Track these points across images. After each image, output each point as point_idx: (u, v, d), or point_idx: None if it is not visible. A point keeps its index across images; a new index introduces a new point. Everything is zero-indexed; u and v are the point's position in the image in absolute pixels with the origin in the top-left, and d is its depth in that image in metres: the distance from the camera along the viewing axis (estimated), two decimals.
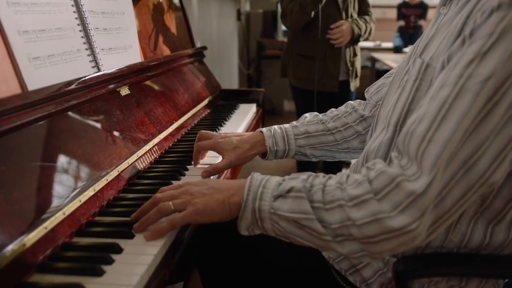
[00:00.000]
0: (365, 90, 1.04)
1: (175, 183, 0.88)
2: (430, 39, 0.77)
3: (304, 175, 0.66)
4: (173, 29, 1.51)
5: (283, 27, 4.11)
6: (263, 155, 0.99)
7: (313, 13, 1.92)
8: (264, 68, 4.36)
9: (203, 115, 1.47)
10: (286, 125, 1.00)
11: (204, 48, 1.70)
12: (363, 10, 2.13)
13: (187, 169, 0.98)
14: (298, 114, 2.25)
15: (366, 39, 2.13)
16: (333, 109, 1.05)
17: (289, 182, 0.64)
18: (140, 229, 0.68)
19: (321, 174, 0.66)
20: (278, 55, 4.13)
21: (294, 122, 1.02)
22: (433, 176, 0.55)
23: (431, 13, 4.60)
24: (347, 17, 2.02)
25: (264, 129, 0.99)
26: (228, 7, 3.16)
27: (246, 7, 4.12)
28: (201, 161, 1.02)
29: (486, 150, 0.56)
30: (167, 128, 1.14)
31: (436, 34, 0.76)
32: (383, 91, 0.94)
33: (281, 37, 4.03)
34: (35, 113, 0.71)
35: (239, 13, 3.60)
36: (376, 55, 3.38)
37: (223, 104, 1.64)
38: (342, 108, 1.04)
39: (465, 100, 0.56)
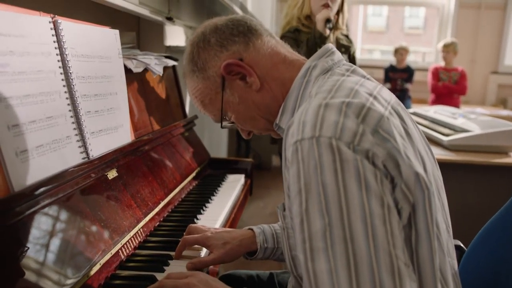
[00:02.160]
0: None
1: (159, 275, 0.86)
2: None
3: None
4: (165, 101, 1.52)
5: None
6: (251, 253, 0.98)
7: None
8: None
9: (191, 187, 1.45)
10: (275, 224, 1.01)
11: (195, 117, 1.71)
12: None
13: (171, 258, 0.95)
14: None
15: None
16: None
17: None
18: None
19: None
20: None
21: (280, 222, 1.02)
22: None
23: (417, 76, 4.75)
24: None
25: (253, 227, 0.99)
26: None
27: None
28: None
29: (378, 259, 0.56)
30: (153, 209, 1.12)
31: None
32: None
33: None
34: (18, 213, 0.69)
35: None
36: None
37: (211, 175, 1.63)
38: None
39: (322, 258, 0.57)
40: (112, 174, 1.01)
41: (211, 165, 1.72)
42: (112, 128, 1.08)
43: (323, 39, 1.89)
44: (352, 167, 0.58)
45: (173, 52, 1.85)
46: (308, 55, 1.85)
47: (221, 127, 0.90)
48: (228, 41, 0.81)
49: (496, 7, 5.29)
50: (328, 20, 1.89)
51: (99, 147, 1.00)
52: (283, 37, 2.06)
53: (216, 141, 3.15)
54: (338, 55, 0.82)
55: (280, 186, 2.17)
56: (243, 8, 2.29)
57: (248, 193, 1.68)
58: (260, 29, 0.84)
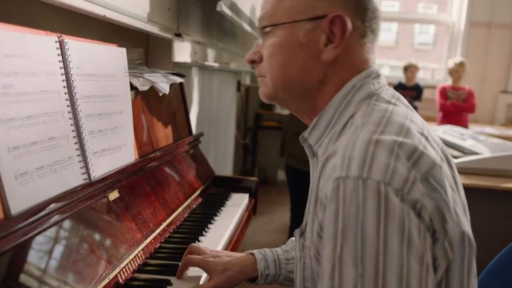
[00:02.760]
0: None
1: None
2: (308, 202, 0.80)
3: None
4: (171, 119, 1.51)
5: None
6: (253, 279, 0.95)
7: None
8: (260, 138, 4.39)
9: (194, 206, 1.43)
10: (277, 249, 0.98)
11: (201, 134, 1.70)
12: None
13: (169, 283, 0.93)
14: (291, 194, 2.23)
15: None
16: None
17: None
18: None
19: None
20: (275, 126, 4.18)
21: (284, 246, 1.00)
22: None
23: (426, 94, 4.73)
24: None
25: (255, 251, 0.97)
26: (229, 79, 3.23)
27: (247, 81, 4.22)
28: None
29: None
30: (154, 230, 1.10)
31: (310, 197, 0.79)
32: None
33: (278, 110, 4.10)
34: (15, 238, 0.68)
35: (239, 85, 3.67)
36: None
37: (215, 194, 1.61)
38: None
39: None
40: (113, 195, 1.00)
41: (215, 183, 1.70)
42: (116, 147, 1.07)
43: None
44: (397, 219, 0.54)
45: (181, 68, 1.85)
46: None
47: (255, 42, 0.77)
48: (359, 7, 0.71)
49: (507, 27, 5.27)
50: None
51: (101, 167, 0.99)
52: None
53: (222, 156, 3.14)
54: (383, 79, 0.76)
55: (285, 202, 2.14)
56: (251, 24, 2.30)
57: (252, 212, 1.66)
58: (378, 28, 0.76)
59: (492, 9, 5.21)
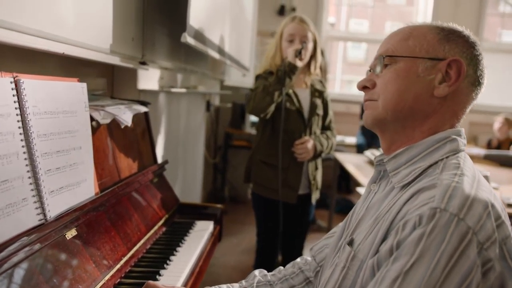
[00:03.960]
0: (310, 248, 1.06)
1: None
2: (361, 218, 0.85)
3: None
4: (135, 148, 1.51)
5: (251, 119, 4.23)
6: None
7: (276, 95, 1.93)
8: (230, 157, 4.40)
9: (157, 236, 1.43)
10: (235, 285, 0.99)
11: (166, 162, 1.70)
12: (326, 125, 2.21)
13: None
14: (258, 220, 2.23)
15: (328, 153, 2.20)
16: (281, 267, 1.05)
17: None
18: None
19: None
20: (244, 146, 4.20)
21: (243, 282, 1.00)
22: None
23: None
24: (310, 133, 2.09)
25: None
26: (198, 100, 3.24)
27: (216, 101, 4.24)
28: None
29: None
30: (114, 267, 1.09)
31: (366, 215, 0.84)
32: (325, 252, 0.98)
33: (248, 129, 4.13)
34: None
35: (208, 105, 3.69)
36: (339, 155, 3.47)
37: (179, 222, 1.60)
38: (289, 268, 1.05)
39: None
40: (71, 233, 0.99)
41: (180, 211, 1.70)
42: (74, 184, 1.06)
43: (292, 68, 1.92)
44: (466, 266, 0.62)
45: (147, 94, 1.85)
46: (277, 83, 1.88)
47: (372, 70, 0.87)
48: (474, 59, 0.81)
49: None
50: (298, 52, 1.92)
51: (58, 206, 0.98)
52: (258, 76, 2.09)
53: (191, 176, 3.14)
54: (465, 142, 0.84)
55: (254, 222, 2.15)
56: (220, 51, 2.32)
57: (216, 240, 1.66)
58: (484, 83, 0.85)
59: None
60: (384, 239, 0.72)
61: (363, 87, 0.87)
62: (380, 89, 0.83)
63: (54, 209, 0.96)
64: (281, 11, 5.12)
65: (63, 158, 1.03)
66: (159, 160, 1.72)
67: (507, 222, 0.70)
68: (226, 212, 3.81)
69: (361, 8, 7.72)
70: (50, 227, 0.90)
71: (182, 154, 2.77)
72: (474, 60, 0.81)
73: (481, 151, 4.02)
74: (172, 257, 1.29)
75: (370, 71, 0.89)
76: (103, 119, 1.22)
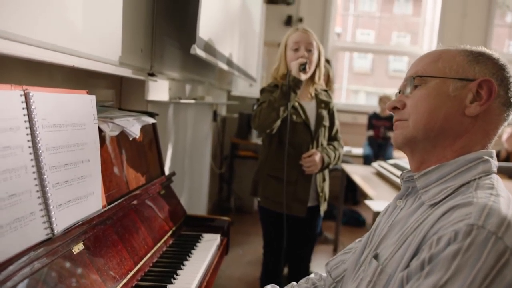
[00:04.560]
0: (325, 263, 1.04)
1: None
2: (386, 233, 0.83)
3: None
4: (143, 160, 1.50)
5: None
6: None
7: (281, 110, 1.91)
8: (236, 167, 4.39)
9: (164, 248, 1.41)
10: None
11: (173, 174, 1.69)
12: (332, 136, 2.19)
13: None
14: (265, 236, 2.22)
15: (335, 164, 2.18)
16: (294, 283, 1.03)
17: None
18: None
19: None
20: (251, 156, 4.19)
21: None
22: None
23: None
24: (317, 145, 2.07)
25: None
26: (205, 110, 3.24)
27: (223, 112, 4.25)
28: None
29: None
30: (120, 281, 1.07)
31: (391, 230, 0.81)
32: (342, 268, 0.97)
33: (254, 139, 4.12)
34: None
35: (215, 115, 3.69)
36: (346, 167, 3.45)
37: (186, 235, 1.59)
38: (303, 283, 1.03)
39: None
40: (78, 247, 0.97)
41: (187, 223, 1.68)
42: (82, 197, 1.05)
43: (297, 82, 1.91)
44: (501, 283, 0.62)
45: (155, 106, 1.85)
46: (282, 98, 1.87)
47: (403, 90, 0.88)
48: (504, 80, 0.82)
49: None
50: (302, 66, 1.91)
51: (66, 220, 0.97)
52: (263, 90, 2.09)
53: (198, 186, 3.13)
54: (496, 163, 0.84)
55: (260, 232, 2.13)
56: (229, 62, 2.33)
57: (224, 253, 1.65)
58: None
59: (460, 43, 5.41)
60: (415, 254, 0.71)
61: (393, 107, 0.88)
62: (411, 108, 0.84)
63: (62, 223, 0.95)
64: (288, 21, 5.15)
65: (71, 171, 1.02)
66: (166, 171, 1.71)
67: None
68: (232, 223, 3.79)
69: (368, 18, 7.74)
70: (57, 241, 0.89)
71: (188, 165, 2.77)
72: (505, 81, 0.82)
73: None
74: (179, 271, 1.27)
75: (399, 92, 0.89)
76: (112, 131, 1.21)
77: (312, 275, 1.05)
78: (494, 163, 0.81)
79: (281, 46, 2.07)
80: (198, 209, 3.19)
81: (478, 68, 0.81)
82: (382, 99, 4.70)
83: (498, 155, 4.74)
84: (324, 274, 1.04)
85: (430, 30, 5.72)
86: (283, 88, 1.93)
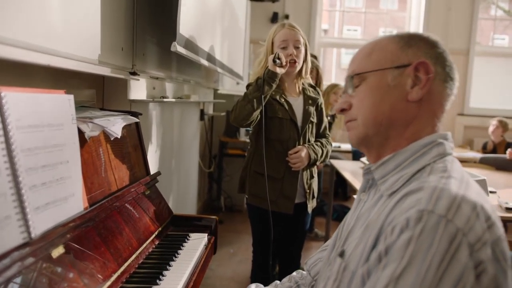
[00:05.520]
0: (305, 262, 1.04)
1: None
2: (351, 228, 0.83)
3: None
4: (126, 160, 1.48)
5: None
6: None
7: (255, 102, 1.88)
8: (225, 166, 4.37)
9: (151, 249, 1.39)
10: None
11: (158, 173, 1.66)
12: (321, 133, 2.18)
13: None
14: (254, 233, 2.20)
15: (323, 161, 2.17)
16: (278, 282, 1.02)
17: None
18: None
19: None
20: (239, 154, 4.17)
21: None
22: None
23: None
24: (304, 141, 2.06)
25: None
26: (191, 109, 3.21)
27: (210, 111, 4.22)
28: None
29: None
30: (104, 284, 1.05)
31: (356, 224, 0.84)
32: (319, 266, 0.97)
33: (243, 137, 4.10)
34: None
35: (202, 113, 3.66)
36: (335, 162, 3.45)
37: (172, 235, 1.57)
38: (286, 282, 1.02)
39: None
40: (58, 251, 0.95)
41: (173, 223, 1.66)
42: (61, 199, 1.03)
43: (271, 75, 1.88)
44: (458, 270, 0.59)
45: (138, 106, 1.82)
46: (256, 91, 1.85)
47: (345, 87, 0.88)
48: (439, 57, 0.82)
49: (460, 53, 5.52)
50: (276, 58, 1.88)
51: (45, 223, 0.94)
52: (248, 86, 2.07)
53: (186, 186, 3.10)
54: (452, 144, 0.84)
55: (250, 231, 2.13)
56: (211, 59, 2.30)
57: (211, 252, 1.62)
58: (455, 78, 0.85)
59: (445, 37, 5.46)
60: (373, 246, 0.70)
61: (341, 110, 0.88)
62: (357, 107, 0.84)
63: (40, 226, 0.92)
64: (274, 18, 5.13)
65: (49, 173, 0.99)
66: (153, 171, 1.68)
67: (498, 223, 0.67)
68: (222, 221, 3.77)
69: (354, 14, 7.75)
70: (34, 245, 0.87)
71: (176, 165, 2.74)
72: (439, 58, 0.82)
73: (476, 155, 4.01)
74: (165, 272, 1.25)
75: (344, 93, 0.89)
76: (91, 132, 1.18)
77: (294, 273, 1.04)
78: (450, 145, 0.81)
79: (267, 42, 2.05)
80: (187, 209, 3.17)
81: (411, 52, 0.81)
82: None
83: (485, 147, 4.78)
84: (305, 273, 1.03)
85: (416, 25, 5.76)
86: (258, 81, 1.91)
